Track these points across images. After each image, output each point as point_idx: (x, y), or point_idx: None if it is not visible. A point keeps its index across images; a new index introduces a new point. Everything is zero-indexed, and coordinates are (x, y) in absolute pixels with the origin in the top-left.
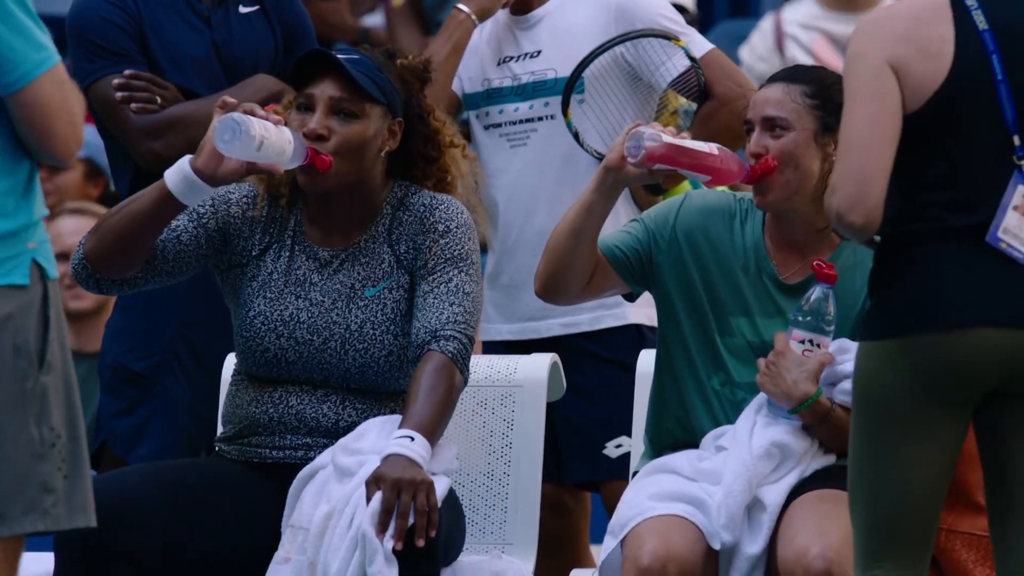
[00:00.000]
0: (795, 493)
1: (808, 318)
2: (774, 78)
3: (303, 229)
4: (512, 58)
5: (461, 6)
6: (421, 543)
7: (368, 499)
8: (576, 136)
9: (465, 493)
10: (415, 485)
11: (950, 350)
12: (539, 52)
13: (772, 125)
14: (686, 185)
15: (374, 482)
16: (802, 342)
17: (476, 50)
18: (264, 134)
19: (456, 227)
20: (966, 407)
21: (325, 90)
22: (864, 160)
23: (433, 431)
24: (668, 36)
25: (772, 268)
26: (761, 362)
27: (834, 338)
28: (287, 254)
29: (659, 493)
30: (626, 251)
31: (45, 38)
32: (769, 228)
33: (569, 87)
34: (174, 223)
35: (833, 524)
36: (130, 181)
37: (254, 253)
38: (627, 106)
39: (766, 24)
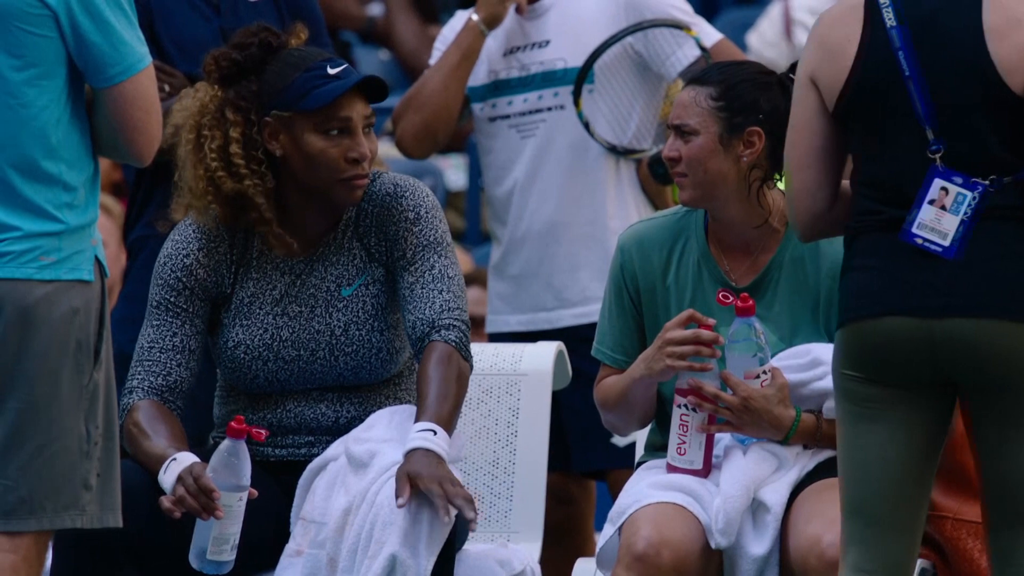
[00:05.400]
0: (798, 489)
1: (749, 354)
2: (690, 79)
3: (267, 243)
4: (519, 48)
5: (472, 15)
6: (472, 515)
7: (399, 493)
8: (587, 126)
9: (471, 482)
10: (451, 480)
11: (869, 337)
12: (548, 42)
13: (681, 131)
14: None
15: (407, 480)
16: (757, 376)
17: None
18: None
19: (426, 212)
20: (912, 393)
21: (358, 110)
22: (790, 181)
23: (449, 422)
24: (679, 25)
25: (721, 274)
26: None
27: (796, 330)
28: (255, 275)
29: (659, 482)
30: (632, 346)
31: (141, 35)
32: (713, 234)
33: (581, 77)
34: (180, 342)
35: None
36: (136, 168)
37: (228, 291)
38: (637, 96)
39: (774, 10)
